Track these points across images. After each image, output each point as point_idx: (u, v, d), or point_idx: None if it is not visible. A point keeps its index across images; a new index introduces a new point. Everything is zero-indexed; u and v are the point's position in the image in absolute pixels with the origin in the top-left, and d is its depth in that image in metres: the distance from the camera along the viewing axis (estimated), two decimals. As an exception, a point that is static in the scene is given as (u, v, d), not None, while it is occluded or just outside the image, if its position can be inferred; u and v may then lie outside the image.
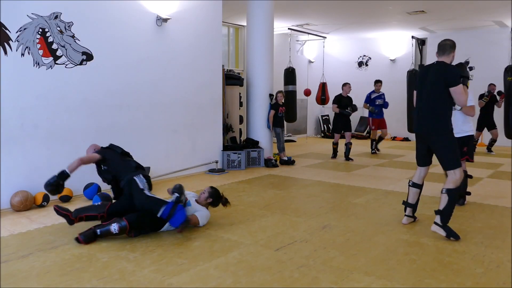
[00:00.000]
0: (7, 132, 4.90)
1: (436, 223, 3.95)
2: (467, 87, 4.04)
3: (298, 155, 9.66)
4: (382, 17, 10.60)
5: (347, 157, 9.01)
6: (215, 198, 4.39)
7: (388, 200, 5.50)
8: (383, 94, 9.91)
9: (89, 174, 5.67)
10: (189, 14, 7.02)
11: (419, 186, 4.34)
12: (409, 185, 4.40)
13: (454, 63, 4.10)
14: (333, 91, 12.75)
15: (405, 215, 4.43)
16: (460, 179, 3.93)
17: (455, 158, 3.94)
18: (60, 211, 4.03)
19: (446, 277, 3.13)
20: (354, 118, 13.76)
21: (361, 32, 12.83)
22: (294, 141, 12.60)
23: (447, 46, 4.00)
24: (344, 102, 9.04)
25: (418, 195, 4.38)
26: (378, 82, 9.89)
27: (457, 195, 3.98)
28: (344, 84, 9.22)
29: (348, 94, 9.19)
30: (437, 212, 3.95)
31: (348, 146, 8.98)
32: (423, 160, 4.25)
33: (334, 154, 9.26)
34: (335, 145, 9.20)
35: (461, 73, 3.97)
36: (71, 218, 4.02)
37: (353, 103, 9.22)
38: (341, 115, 9.08)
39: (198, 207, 4.29)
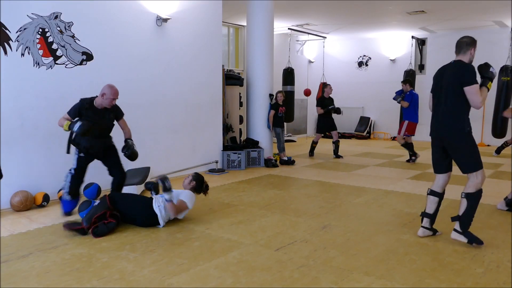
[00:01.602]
0: (7, 132, 4.90)
1: (455, 230, 3.76)
2: (488, 89, 3.75)
3: (298, 155, 9.66)
4: (382, 17, 10.59)
5: (336, 154, 9.28)
6: (198, 182, 4.53)
7: (388, 200, 5.50)
8: (409, 93, 8.64)
9: (90, 174, 5.68)
10: (189, 14, 7.02)
11: (438, 195, 3.96)
12: (427, 193, 4.06)
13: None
14: (333, 91, 12.80)
15: (421, 226, 4.05)
16: (482, 182, 3.67)
17: (475, 160, 3.68)
18: (72, 228, 3.98)
19: (446, 277, 3.13)
20: (354, 118, 13.84)
21: (361, 32, 12.83)
22: (294, 141, 12.60)
23: (463, 44, 3.80)
24: (326, 103, 9.22)
25: (436, 205, 3.98)
26: (402, 82, 8.92)
27: (478, 199, 3.69)
28: (325, 85, 9.39)
29: (330, 95, 9.36)
30: (455, 218, 3.77)
31: (336, 144, 9.27)
32: (439, 166, 3.94)
33: (312, 152, 9.50)
34: (315, 143, 9.48)
35: (482, 73, 3.79)
36: (85, 228, 3.97)
37: (341, 103, 9.47)
38: (325, 116, 9.22)
39: (181, 191, 4.38)
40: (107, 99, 4.48)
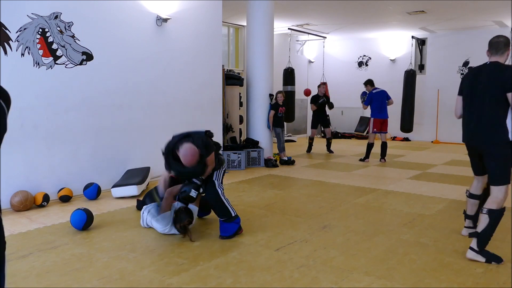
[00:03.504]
0: (7, 132, 4.86)
1: (471, 249, 3.44)
2: None
3: (298, 155, 9.66)
4: (382, 17, 10.60)
5: (328, 149, 10.07)
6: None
7: (388, 200, 5.50)
8: (368, 93, 9.05)
9: (89, 174, 5.69)
10: (189, 14, 7.02)
11: (478, 197, 3.87)
12: (466, 196, 3.97)
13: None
14: (333, 91, 12.83)
15: (465, 226, 4.02)
16: (504, 199, 3.43)
17: (506, 173, 3.43)
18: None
19: (446, 277, 3.13)
20: (354, 118, 13.82)
21: (361, 32, 12.83)
22: (294, 141, 12.60)
23: (500, 44, 3.46)
24: (319, 100, 9.90)
25: (477, 206, 3.88)
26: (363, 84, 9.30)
27: (500, 218, 3.43)
28: (319, 86, 10.11)
29: (324, 93, 10.01)
30: (473, 234, 3.46)
31: (329, 140, 10.12)
32: (479, 169, 3.77)
33: (309, 148, 10.13)
34: (311, 140, 10.14)
35: None
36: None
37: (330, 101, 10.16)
38: (318, 113, 9.92)
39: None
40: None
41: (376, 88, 8.99)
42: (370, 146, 8.80)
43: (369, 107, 8.90)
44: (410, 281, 3.06)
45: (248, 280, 3.06)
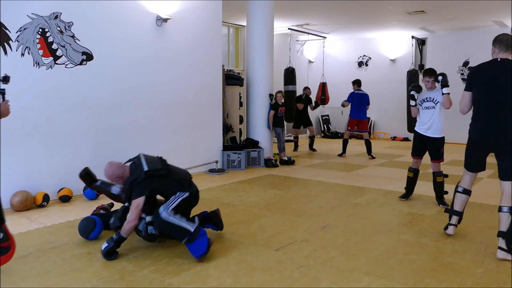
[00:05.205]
0: (7, 132, 4.89)
1: (501, 248, 3.46)
2: None
3: (298, 155, 9.67)
4: (382, 17, 10.59)
5: (311, 147, 10.44)
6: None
7: (388, 200, 5.50)
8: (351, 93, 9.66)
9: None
10: (189, 14, 7.02)
11: (470, 193, 3.89)
12: (457, 191, 3.91)
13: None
14: (333, 91, 12.82)
15: (451, 224, 3.98)
16: None
17: None
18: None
19: (446, 277, 3.13)
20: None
21: (361, 32, 12.83)
22: (294, 141, 12.59)
23: (509, 41, 3.51)
24: (304, 101, 10.38)
25: (466, 203, 3.92)
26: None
27: None
28: (304, 88, 10.67)
29: (309, 96, 10.60)
30: (500, 234, 3.47)
31: (312, 138, 10.48)
32: (479, 166, 3.77)
33: (296, 147, 10.51)
34: (296, 138, 10.55)
35: None
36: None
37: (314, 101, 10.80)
38: (301, 113, 10.28)
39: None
40: None
41: (360, 90, 9.57)
42: (344, 142, 9.55)
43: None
44: (410, 281, 3.06)
45: (248, 280, 3.06)
